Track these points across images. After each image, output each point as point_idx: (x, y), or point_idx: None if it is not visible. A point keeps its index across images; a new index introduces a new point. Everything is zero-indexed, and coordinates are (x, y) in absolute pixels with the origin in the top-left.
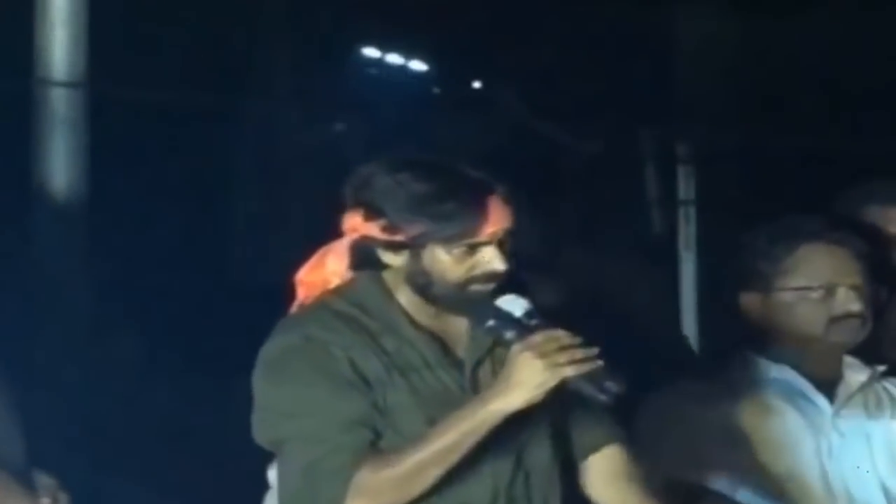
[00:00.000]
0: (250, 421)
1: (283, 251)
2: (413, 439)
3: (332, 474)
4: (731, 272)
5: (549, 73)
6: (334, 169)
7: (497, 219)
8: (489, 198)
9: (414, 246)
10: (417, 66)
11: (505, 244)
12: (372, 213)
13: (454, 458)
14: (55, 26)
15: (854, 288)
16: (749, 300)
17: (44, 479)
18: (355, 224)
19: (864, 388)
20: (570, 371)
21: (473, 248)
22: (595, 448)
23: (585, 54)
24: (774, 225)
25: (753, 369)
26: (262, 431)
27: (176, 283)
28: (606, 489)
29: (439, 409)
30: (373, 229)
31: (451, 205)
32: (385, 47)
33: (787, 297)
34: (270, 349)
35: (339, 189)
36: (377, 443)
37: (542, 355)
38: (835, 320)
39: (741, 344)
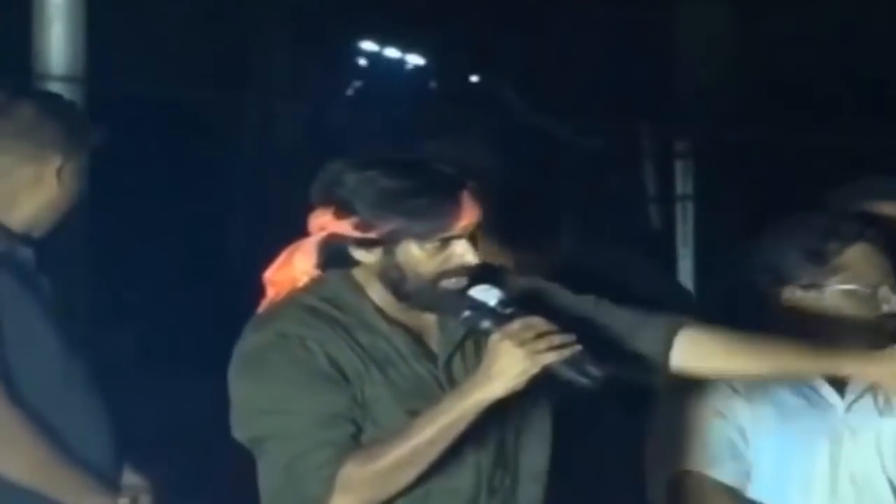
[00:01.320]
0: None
1: (281, 246)
2: (388, 430)
3: (315, 471)
4: (770, 266)
5: (547, 69)
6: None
7: (468, 213)
8: (460, 192)
9: (387, 242)
10: (415, 60)
11: (476, 237)
12: (343, 210)
13: (438, 450)
14: (53, 22)
15: (892, 287)
16: (790, 295)
17: (130, 479)
18: (324, 222)
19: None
20: (550, 358)
21: (446, 243)
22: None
23: (585, 50)
24: (820, 222)
25: None
26: (240, 429)
27: (174, 281)
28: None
29: (417, 401)
30: (344, 227)
31: (424, 200)
32: (383, 42)
33: (835, 294)
34: (245, 347)
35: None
36: (358, 436)
37: (522, 343)
38: (887, 317)
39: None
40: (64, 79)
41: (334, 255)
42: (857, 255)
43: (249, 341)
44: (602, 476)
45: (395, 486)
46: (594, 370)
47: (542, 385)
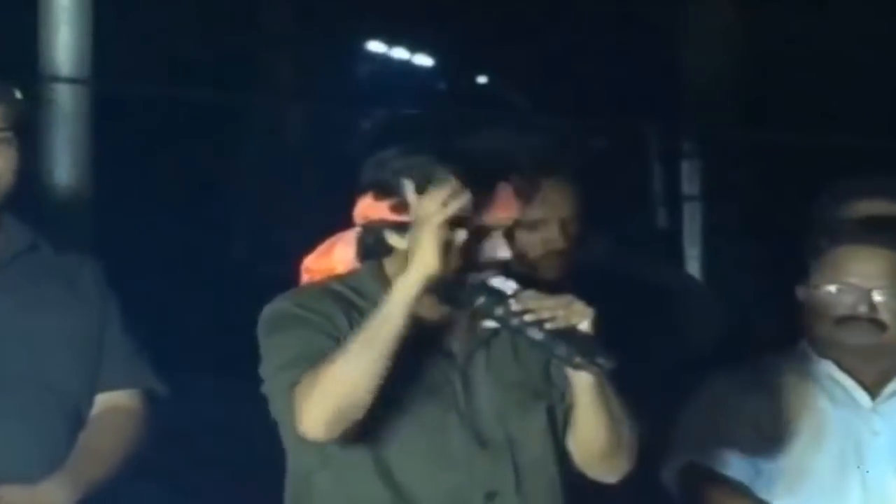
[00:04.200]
0: (257, 419)
1: (285, 246)
2: (392, 427)
3: (288, 391)
4: (794, 263)
5: (553, 69)
6: (339, 165)
7: (506, 206)
8: (501, 184)
9: None
10: (422, 60)
11: (512, 234)
12: (382, 192)
13: (381, 349)
14: (59, 24)
15: (868, 291)
16: (800, 293)
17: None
18: (365, 208)
19: None
20: (451, 209)
21: (479, 234)
22: None
23: (591, 50)
24: (833, 222)
25: (799, 362)
26: (265, 385)
27: (179, 278)
28: None
29: (420, 400)
30: (382, 210)
31: (462, 184)
32: (390, 42)
33: (810, 294)
34: (266, 312)
35: (343, 185)
36: None
37: (420, 220)
38: (841, 321)
39: (795, 335)
40: (70, 80)
41: (372, 246)
42: (846, 255)
43: (270, 307)
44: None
45: (347, 392)
46: (604, 361)
47: (540, 391)
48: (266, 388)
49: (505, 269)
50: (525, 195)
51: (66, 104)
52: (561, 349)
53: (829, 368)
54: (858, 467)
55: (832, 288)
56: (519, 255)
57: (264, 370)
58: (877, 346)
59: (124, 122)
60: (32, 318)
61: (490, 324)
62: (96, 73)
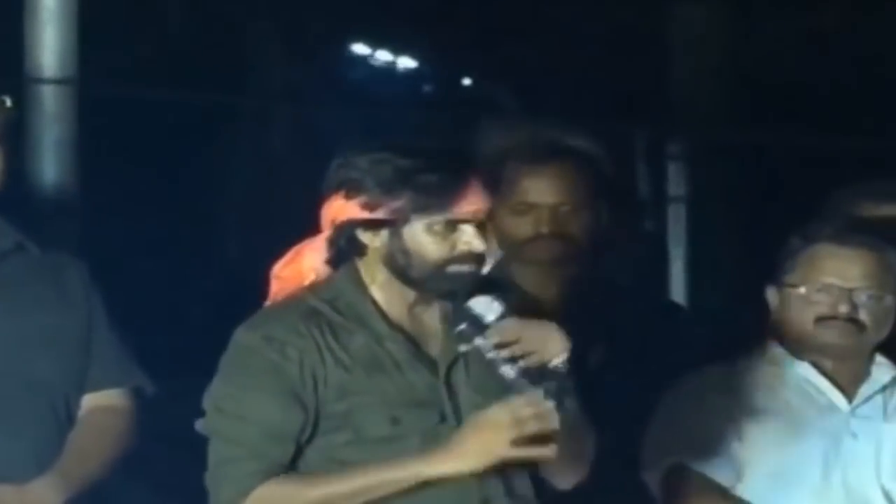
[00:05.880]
0: None
1: (274, 247)
2: (374, 441)
3: (237, 480)
4: (768, 265)
5: (539, 70)
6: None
7: (477, 198)
8: (470, 175)
9: (394, 223)
10: (407, 62)
11: (484, 227)
12: (352, 191)
13: (368, 498)
14: (45, 24)
15: (849, 291)
16: (770, 294)
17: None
18: (334, 210)
19: (886, 388)
20: (531, 452)
21: (453, 227)
22: None
23: (577, 52)
24: (810, 223)
25: (775, 363)
26: (202, 420)
27: (167, 281)
28: None
29: (404, 410)
30: (353, 209)
31: (433, 176)
32: (374, 44)
33: (787, 293)
34: (232, 344)
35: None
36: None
37: (515, 425)
38: (820, 320)
39: (767, 337)
40: (56, 81)
41: (344, 253)
42: (812, 255)
43: (238, 339)
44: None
45: None
46: (571, 402)
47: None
48: (205, 429)
49: (479, 261)
50: (491, 187)
51: (52, 105)
52: (529, 393)
53: (805, 370)
54: (840, 470)
55: (811, 288)
56: (503, 240)
57: (209, 417)
58: (854, 346)
59: (111, 123)
60: (20, 318)
61: (465, 348)
62: (82, 74)
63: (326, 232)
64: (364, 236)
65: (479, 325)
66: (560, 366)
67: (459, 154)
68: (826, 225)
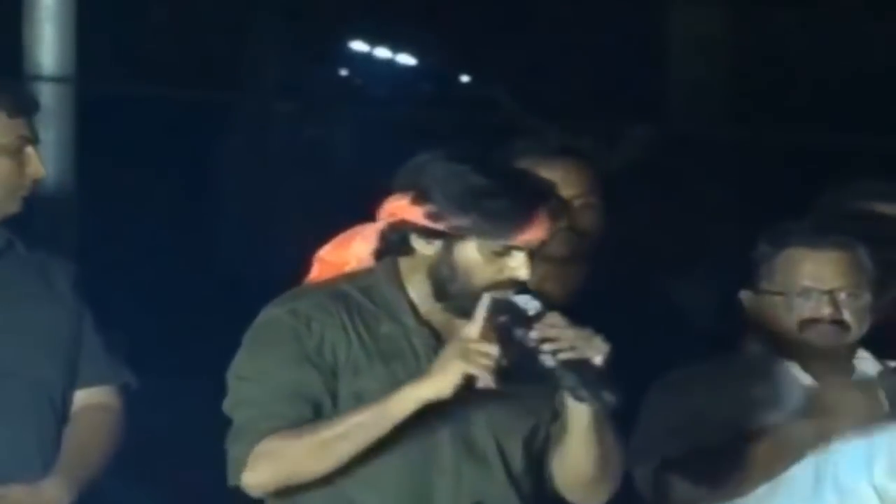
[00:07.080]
0: None
1: (271, 247)
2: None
3: (248, 434)
4: (738, 269)
5: (539, 70)
6: (323, 165)
7: (539, 228)
8: (541, 206)
9: (451, 237)
10: (406, 60)
11: (533, 255)
12: (420, 197)
13: (365, 438)
14: (43, 22)
15: (829, 293)
16: (745, 298)
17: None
18: (396, 208)
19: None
20: (483, 363)
21: (505, 252)
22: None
23: (577, 51)
24: (776, 227)
25: (759, 361)
26: (229, 389)
27: (165, 280)
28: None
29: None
30: (416, 214)
31: (504, 203)
32: (373, 42)
33: (766, 298)
34: (260, 317)
35: (328, 185)
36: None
37: (464, 346)
38: (805, 323)
39: (751, 337)
40: (54, 79)
41: (393, 244)
42: (789, 258)
43: (266, 313)
44: None
45: (314, 467)
46: (608, 396)
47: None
48: (227, 405)
49: (521, 288)
50: (557, 216)
51: (50, 102)
52: (570, 380)
53: (793, 370)
54: (830, 471)
55: (790, 293)
56: None
57: (231, 390)
58: (840, 346)
59: (109, 122)
60: (13, 314)
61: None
62: (80, 72)
63: (380, 223)
64: (417, 242)
65: (520, 318)
66: (598, 363)
67: (534, 181)
68: (793, 228)
